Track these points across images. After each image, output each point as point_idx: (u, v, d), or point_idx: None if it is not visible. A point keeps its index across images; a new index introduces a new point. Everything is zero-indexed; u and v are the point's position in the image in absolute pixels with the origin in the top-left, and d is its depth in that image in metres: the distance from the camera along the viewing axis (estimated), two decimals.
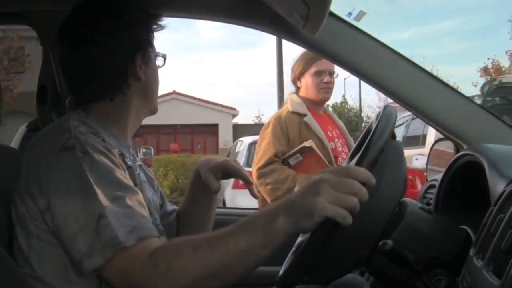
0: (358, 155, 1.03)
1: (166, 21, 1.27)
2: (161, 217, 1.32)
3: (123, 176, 1.04)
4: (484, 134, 1.46)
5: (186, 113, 23.84)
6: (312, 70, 2.60)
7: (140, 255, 0.95)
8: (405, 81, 1.51)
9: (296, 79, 2.67)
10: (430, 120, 1.50)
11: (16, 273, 1.02)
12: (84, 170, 0.99)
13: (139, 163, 1.28)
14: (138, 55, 1.17)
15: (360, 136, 1.26)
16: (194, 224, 1.38)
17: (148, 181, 1.30)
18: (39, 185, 1.01)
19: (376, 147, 1.00)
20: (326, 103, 2.79)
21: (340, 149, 2.56)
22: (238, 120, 28.45)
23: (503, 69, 20.58)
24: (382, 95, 29.50)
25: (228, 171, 1.32)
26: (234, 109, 27.69)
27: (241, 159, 8.21)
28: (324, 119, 2.67)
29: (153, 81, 1.23)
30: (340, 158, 2.52)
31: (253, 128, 16.98)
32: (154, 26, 1.23)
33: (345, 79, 29.55)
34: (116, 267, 0.96)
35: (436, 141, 1.93)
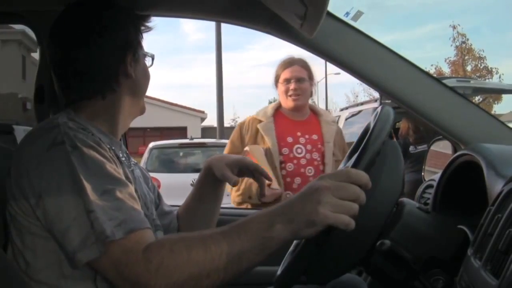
0: (356, 155, 1.03)
1: (153, 22, 1.28)
2: (158, 216, 1.32)
3: (113, 169, 1.04)
4: (482, 134, 1.46)
5: (155, 116, 23.77)
6: (282, 77, 2.70)
7: (134, 249, 0.95)
8: (403, 81, 1.51)
9: (276, 87, 2.77)
10: (428, 119, 1.50)
11: (11, 270, 1.01)
12: (73, 164, 0.99)
13: (134, 162, 1.29)
14: (128, 54, 1.18)
15: (358, 136, 1.26)
16: (200, 219, 1.40)
17: (144, 179, 1.31)
18: (29, 182, 1.01)
19: (373, 147, 1.00)
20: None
21: (301, 155, 2.59)
22: (213, 122, 28.87)
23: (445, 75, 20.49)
24: (352, 98, 29.98)
25: (248, 167, 1.38)
26: (203, 112, 28.73)
27: (143, 163, 7.66)
28: (300, 124, 2.70)
29: (143, 79, 1.25)
30: (290, 163, 2.58)
31: (225, 131, 16.55)
32: (143, 28, 1.25)
33: (317, 82, 29.75)
34: (110, 260, 0.96)
35: (433, 141, 1.93)
